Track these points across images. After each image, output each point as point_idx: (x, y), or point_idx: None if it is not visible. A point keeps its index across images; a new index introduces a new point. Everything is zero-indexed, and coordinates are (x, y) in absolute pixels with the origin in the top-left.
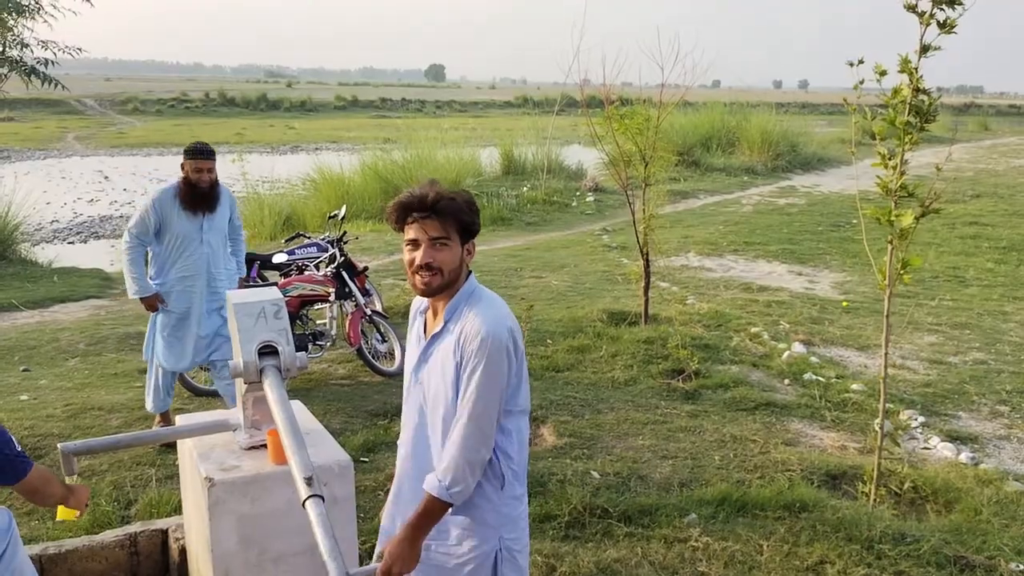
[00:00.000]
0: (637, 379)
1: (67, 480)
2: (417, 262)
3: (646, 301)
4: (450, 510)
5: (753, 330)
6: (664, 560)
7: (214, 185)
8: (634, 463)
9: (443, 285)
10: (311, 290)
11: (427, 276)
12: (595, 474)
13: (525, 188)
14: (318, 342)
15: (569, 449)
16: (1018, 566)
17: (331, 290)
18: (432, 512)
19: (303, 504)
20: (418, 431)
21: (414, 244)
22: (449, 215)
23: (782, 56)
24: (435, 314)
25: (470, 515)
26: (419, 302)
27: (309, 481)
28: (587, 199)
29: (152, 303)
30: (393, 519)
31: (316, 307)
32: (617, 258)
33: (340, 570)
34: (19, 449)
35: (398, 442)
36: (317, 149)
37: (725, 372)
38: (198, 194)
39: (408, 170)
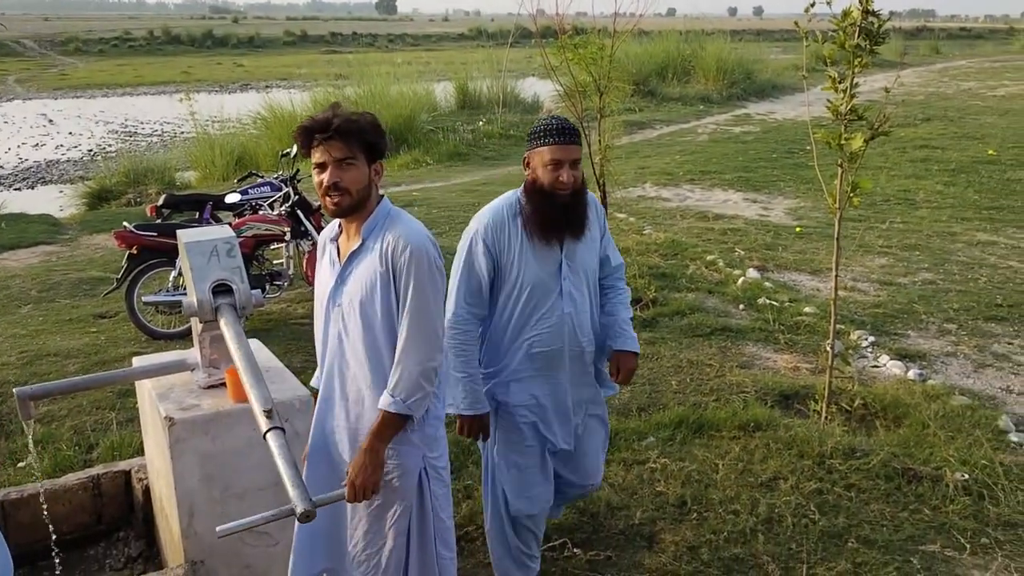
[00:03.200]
0: None
1: (24, 425)
2: (325, 183)
3: None
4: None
5: (709, 258)
6: (624, 482)
7: (580, 191)
8: None
9: (353, 205)
10: (266, 230)
11: (336, 197)
12: None
13: (481, 122)
14: (275, 282)
15: None
16: (963, 475)
17: (286, 229)
18: (393, 425)
19: (264, 437)
20: (339, 360)
21: (321, 167)
22: (352, 135)
23: None
24: (348, 236)
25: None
26: (328, 231)
27: (269, 413)
28: None
29: (483, 425)
30: (321, 458)
31: (272, 247)
32: None
33: (304, 497)
34: None
35: (312, 382)
36: (267, 87)
37: (682, 299)
38: (557, 208)
39: (361, 106)
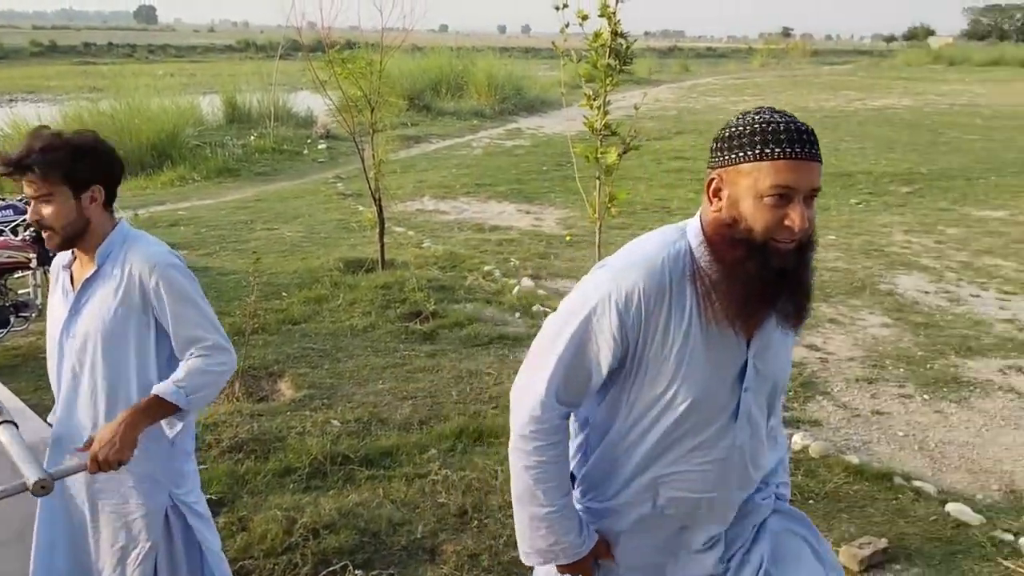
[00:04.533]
0: (376, 325)
1: None
2: (28, 220)
3: (382, 247)
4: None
5: (486, 268)
6: (406, 497)
7: (808, 245)
8: (375, 407)
9: (64, 240)
10: (8, 257)
11: (46, 232)
12: (336, 423)
13: (252, 137)
14: (21, 313)
15: (308, 401)
16: None
17: (32, 255)
18: (161, 412)
19: None
20: (74, 396)
21: (32, 201)
22: (47, 168)
23: (506, 1)
24: (82, 263)
25: (138, 471)
26: (61, 257)
27: None
28: (319, 147)
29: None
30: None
31: (16, 275)
32: (352, 206)
33: (37, 470)
34: None
35: (49, 419)
36: (11, 100)
37: (460, 311)
38: (770, 273)
39: (119, 121)
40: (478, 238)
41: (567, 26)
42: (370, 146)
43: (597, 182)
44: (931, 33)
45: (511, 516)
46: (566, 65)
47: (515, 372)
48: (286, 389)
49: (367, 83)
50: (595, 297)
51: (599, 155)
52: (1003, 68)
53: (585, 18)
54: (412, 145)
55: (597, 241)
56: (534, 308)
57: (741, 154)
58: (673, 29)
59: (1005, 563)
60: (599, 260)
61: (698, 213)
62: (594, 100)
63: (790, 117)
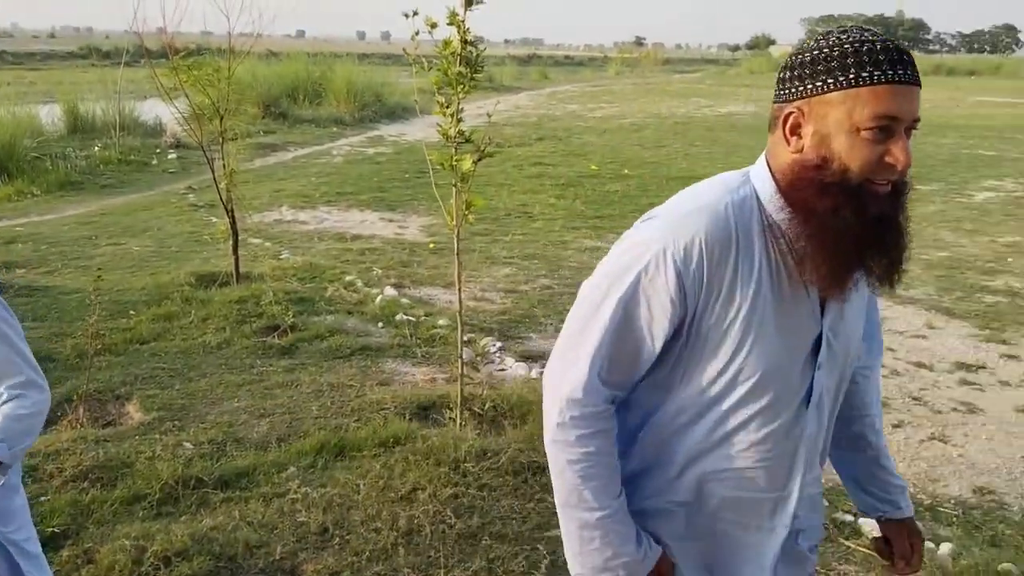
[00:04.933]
0: (231, 341)
1: None
2: None
3: (236, 260)
4: None
5: (348, 278)
6: (263, 518)
7: (903, 188)
8: (230, 427)
9: None
10: None
11: None
12: (188, 445)
13: (96, 148)
14: None
15: (158, 423)
16: None
17: None
18: None
19: None
20: None
21: None
22: None
23: (365, 6)
24: None
25: None
26: None
27: None
28: (169, 157)
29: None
30: None
31: None
32: (205, 217)
33: None
34: None
35: None
36: None
37: (321, 323)
38: (867, 222)
39: None
40: (339, 248)
41: (417, 33)
42: (221, 155)
43: (453, 189)
44: (772, 42)
45: (374, 530)
46: (418, 72)
47: (378, 383)
48: (134, 412)
49: (215, 90)
50: (646, 253)
51: (454, 162)
52: None
53: (434, 26)
54: (269, 154)
55: (456, 248)
56: (397, 317)
57: (830, 80)
58: (532, 37)
59: (846, 543)
60: (456, 267)
61: (761, 158)
62: (447, 108)
63: (882, 35)
